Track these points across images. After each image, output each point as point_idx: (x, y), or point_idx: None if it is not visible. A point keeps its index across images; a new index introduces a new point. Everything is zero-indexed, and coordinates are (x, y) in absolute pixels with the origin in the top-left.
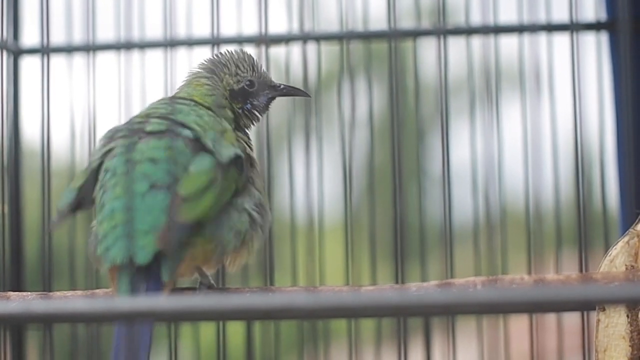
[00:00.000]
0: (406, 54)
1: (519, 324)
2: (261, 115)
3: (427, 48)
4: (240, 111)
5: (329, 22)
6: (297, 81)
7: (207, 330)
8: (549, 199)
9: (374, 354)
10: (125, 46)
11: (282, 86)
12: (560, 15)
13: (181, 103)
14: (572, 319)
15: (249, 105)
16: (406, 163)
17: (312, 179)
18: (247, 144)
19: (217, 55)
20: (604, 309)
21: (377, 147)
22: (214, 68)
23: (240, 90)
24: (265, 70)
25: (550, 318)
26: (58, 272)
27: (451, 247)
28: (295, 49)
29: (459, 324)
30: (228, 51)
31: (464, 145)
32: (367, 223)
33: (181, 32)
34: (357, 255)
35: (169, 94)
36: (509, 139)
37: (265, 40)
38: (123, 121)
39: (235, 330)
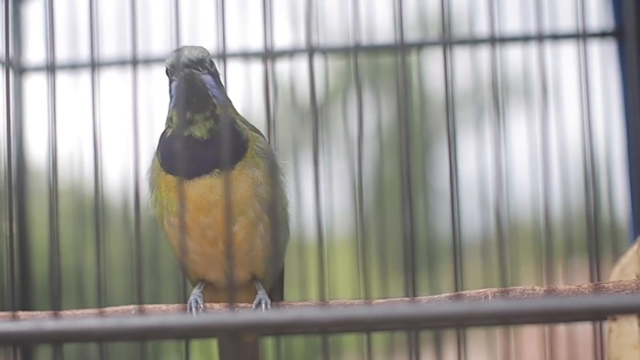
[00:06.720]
0: (412, 67)
1: (530, 334)
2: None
3: (433, 60)
4: None
5: (335, 35)
6: (304, 95)
7: None
8: (558, 210)
9: None
10: (130, 62)
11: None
12: (567, 23)
13: None
14: (583, 329)
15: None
16: (414, 176)
17: (321, 193)
18: None
19: None
20: (615, 318)
21: (385, 161)
22: None
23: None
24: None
25: (562, 328)
26: (66, 292)
27: (461, 260)
28: (302, 63)
29: (470, 335)
30: None
31: (471, 157)
32: (376, 236)
33: None
34: (368, 269)
35: None
36: (516, 151)
37: (271, 54)
38: (131, 139)
39: None
